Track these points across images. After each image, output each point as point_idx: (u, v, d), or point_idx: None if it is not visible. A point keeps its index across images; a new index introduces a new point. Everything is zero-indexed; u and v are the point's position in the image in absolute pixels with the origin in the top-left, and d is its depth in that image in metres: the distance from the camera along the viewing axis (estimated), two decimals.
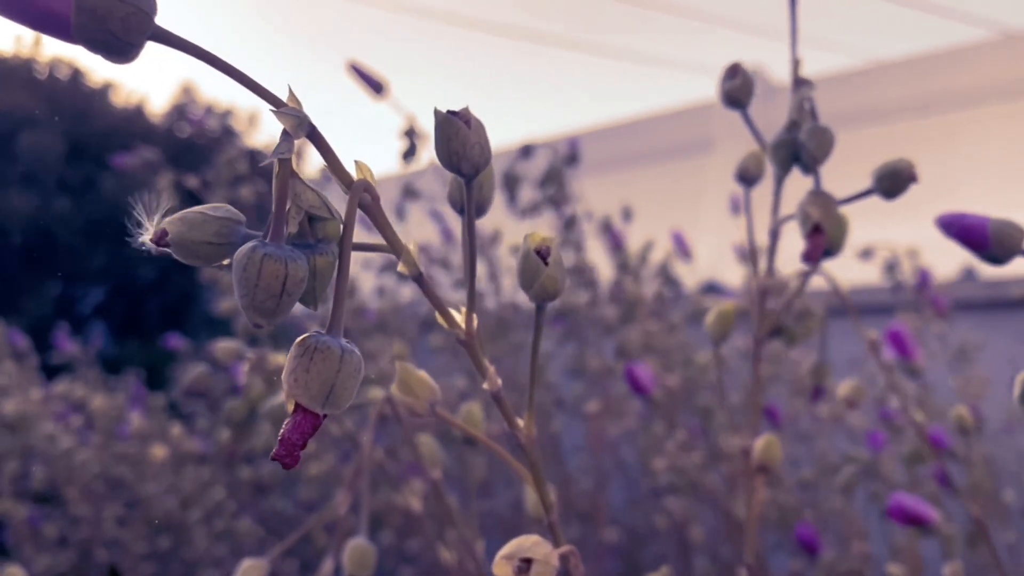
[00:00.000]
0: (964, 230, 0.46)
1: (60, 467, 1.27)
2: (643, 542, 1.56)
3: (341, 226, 0.27)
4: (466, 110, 0.30)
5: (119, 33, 0.24)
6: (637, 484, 1.59)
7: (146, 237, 0.27)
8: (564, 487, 1.44)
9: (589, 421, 1.46)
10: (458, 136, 0.30)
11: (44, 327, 2.01)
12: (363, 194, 0.28)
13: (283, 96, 0.26)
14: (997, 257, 0.46)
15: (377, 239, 0.32)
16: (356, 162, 0.28)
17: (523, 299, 1.63)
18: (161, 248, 0.27)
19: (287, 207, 0.26)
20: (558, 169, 1.45)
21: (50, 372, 1.66)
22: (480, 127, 0.30)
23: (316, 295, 0.27)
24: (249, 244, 0.25)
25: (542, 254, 0.33)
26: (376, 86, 1.12)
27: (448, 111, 0.30)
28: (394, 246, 0.31)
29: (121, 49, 0.24)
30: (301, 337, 0.25)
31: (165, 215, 0.27)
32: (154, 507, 1.30)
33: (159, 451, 1.26)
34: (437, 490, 0.59)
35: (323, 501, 1.39)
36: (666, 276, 1.54)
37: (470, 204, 0.32)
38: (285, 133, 0.26)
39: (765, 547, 1.28)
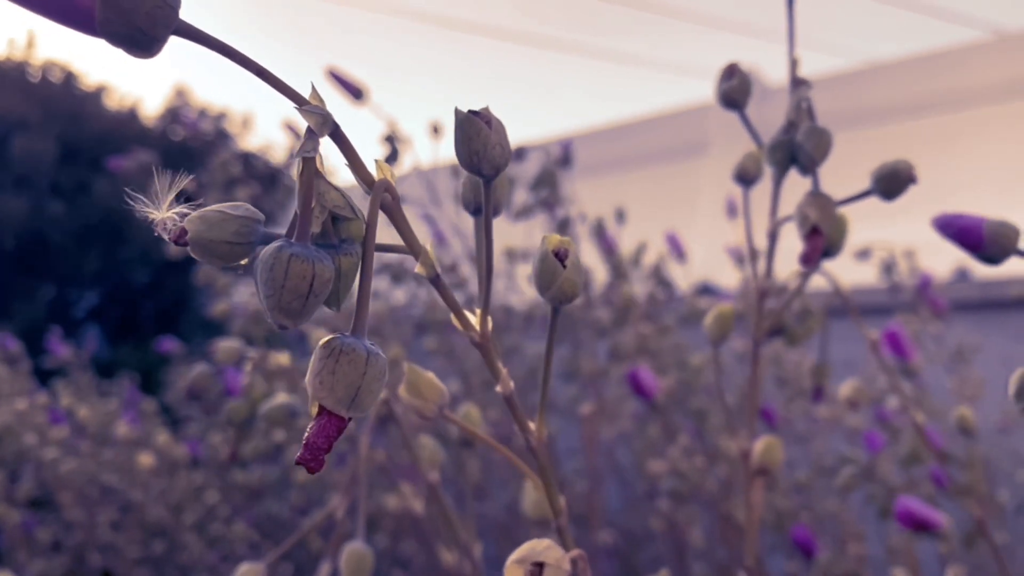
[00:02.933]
0: (960, 231, 0.47)
1: (50, 474, 1.26)
2: (639, 544, 1.56)
3: (364, 226, 0.27)
4: (487, 110, 0.30)
5: (145, 27, 0.24)
6: (632, 486, 1.59)
7: (158, 219, 0.26)
8: (559, 490, 1.44)
9: (583, 423, 1.46)
10: (479, 136, 0.29)
11: (37, 331, 2.01)
12: (384, 194, 0.28)
13: (305, 94, 0.26)
14: (993, 257, 0.46)
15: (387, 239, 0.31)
16: (376, 162, 0.28)
17: (515, 302, 1.63)
18: (179, 246, 0.26)
19: (312, 206, 0.25)
20: (551, 171, 1.44)
21: (43, 376, 1.65)
22: (501, 127, 0.30)
23: (340, 296, 0.27)
24: (275, 243, 0.24)
25: (560, 256, 0.33)
26: (356, 92, 1.11)
27: (469, 111, 0.30)
28: (413, 247, 0.30)
29: (146, 44, 0.24)
30: (326, 338, 0.25)
31: (178, 200, 0.27)
32: (148, 512, 1.29)
33: (146, 459, 1.25)
34: (435, 492, 0.59)
35: (317, 504, 1.38)
36: (660, 278, 1.53)
37: (488, 205, 0.32)
38: (309, 131, 0.25)
39: (762, 549, 1.28)
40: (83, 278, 2.81)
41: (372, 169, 0.28)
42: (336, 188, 0.27)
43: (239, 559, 1.23)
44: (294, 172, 0.26)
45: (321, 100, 0.26)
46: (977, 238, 0.46)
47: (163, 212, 0.26)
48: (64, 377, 1.64)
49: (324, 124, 0.25)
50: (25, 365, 1.49)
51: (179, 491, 1.31)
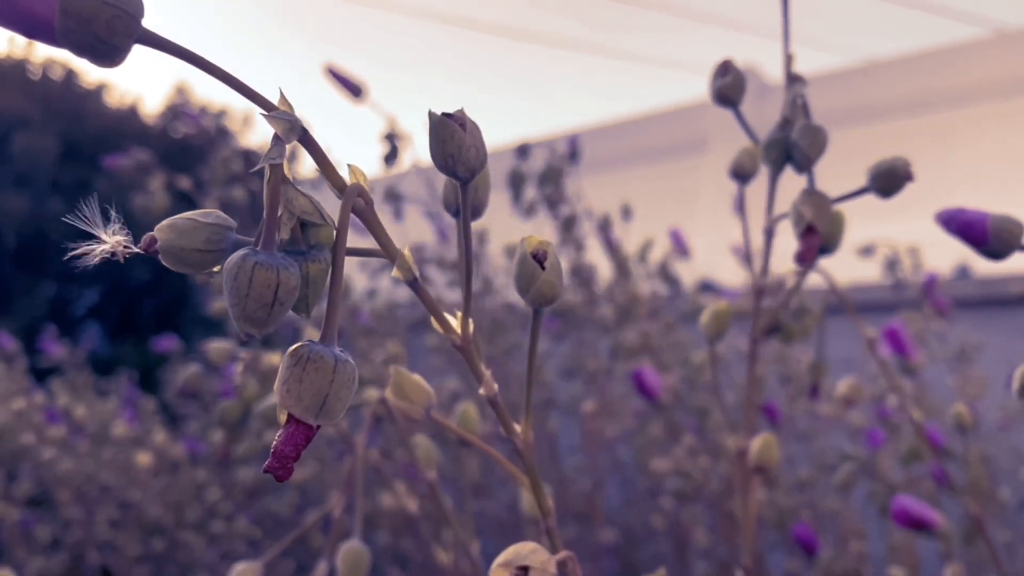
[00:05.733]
0: (964, 225, 0.46)
1: (48, 473, 1.26)
2: (640, 542, 1.56)
3: (334, 232, 0.27)
4: (461, 112, 0.30)
5: (104, 36, 0.24)
6: (634, 484, 1.59)
7: (102, 248, 0.26)
8: (560, 487, 1.44)
9: (585, 421, 1.46)
10: (453, 139, 0.29)
11: (38, 329, 2.01)
12: (356, 199, 0.27)
13: (274, 99, 0.26)
14: (996, 252, 0.46)
15: (368, 242, 0.31)
16: (349, 166, 0.28)
17: (518, 299, 1.62)
18: (150, 255, 0.26)
19: (279, 213, 0.25)
20: (556, 168, 1.44)
21: (42, 375, 1.65)
22: (476, 129, 0.30)
23: (309, 303, 0.26)
24: (240, 252, 0.24)
25: (539, 258, 0.33)
26: (354, 89, 1.11)
27: (443, 113, 0.29)
28: (388, 251, 0.30)
29: (107, 52, 0.24)
30: (294, 346, 0.25)
31: (120, 225, 0.27)
32: (147, 510, 1.29)
33: (144, 458, 1.25)
34: (433, 491, 0.59)
35: (316, 502, 1.38)
36: (665, 275, 1.53)
37: (466, 208, 0.32)
38: (276, 137, 0.25)
39: (762, 546, 1.28)
40: (83, 276, 2.81)
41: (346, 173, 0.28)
42: (304, 194, 0.27)
43: (238, 557, 1.23)
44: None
45: (289, 106, 0.26)
46: (981, 233, 0.46)
47: (112, 236, 0.26)
48: (62, 375, 1.64)
49: (291, 130, 0.25)
50: (22, 363, 1.49)
51: (179, 489, 1.31)
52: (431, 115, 0.29)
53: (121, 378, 1.83)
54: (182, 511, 1.31)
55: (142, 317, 2.98)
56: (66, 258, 0.26)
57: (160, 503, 1.30)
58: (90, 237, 0.26)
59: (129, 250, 0.26)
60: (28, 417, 1.29)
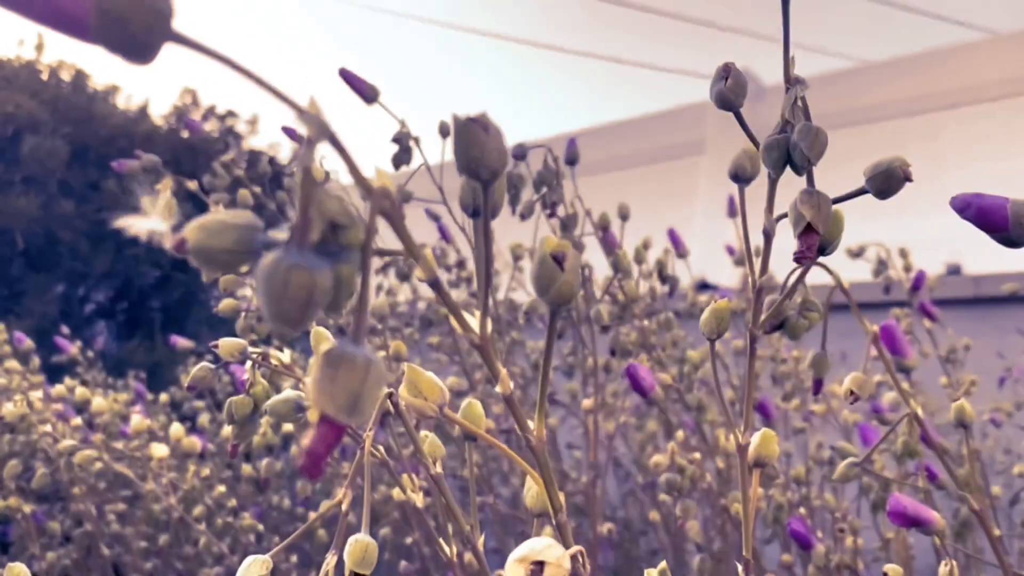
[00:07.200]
0: (982, 212, 0.45)
1: (63, 463, 1.27)
2: (638, 536, 1.57)
3: (363, 233, 0.27)
4: (484, 115, 0.30)
5: (139, 35, 0.24)
6: (632, 479, 1.60)
7: (149, 229, 0.27)
8: (559, 482, 1.45)
9: (584, 417, 1.47)
10: (477, 142, 0.30)
11: (49, 328, 2.01)
12: (384, 200, 0.28)
13: (302, 101, 0.26)
14: (1016, 239, 0.44)
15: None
16: (376, 169, 0.29)
17: (518, 297, 1.63)
18: (180, 255, 0.27)
19: (311, 215, 0.26)
20: (554, 170, 1.44)
21: (54, 372, 1.66)
22: (498, 133, 0.30)
23: (339, 303, 0.27)
24: (274, 254, 0.25)
25: (558, 259, 0.33)
26: (367, 93, 1.11)
27: (467, 117, 0.30)
28: (412, 252, 0.31)
29: (141, 51, 0.24)
30: (326, 347, 0.25)
31: (167, 209, 0.27)
32: (157, 503, 1.30)
33: (159, 451, 1.26)
34: (439, 485, 0.60)
35: (323, 496, 1.39)
36: (664, 275, 1.54)
37: (487, 209, 0.32)
38: (308, 140, 0.25)
39: (756, 541, 1.29)
40: (92, 275, 2.81)
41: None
42: (335, 196, 0.27)
43: (247, 550, 1.24)
44: (295, 179, 0.26)
45: (319, 108, 0.26)
46: (1001, 219, 0.44)
47: (154, 222, 0.27)
48: (75, 374, 1.64)
49: (322, 132, 0.26)
50: (36, 361, 1.49)
51: (188, 483, 1.32)
52: (456, 119, 0.30)
53: (130, 376, 1.84)
54: (190, 505, 1.32)
55: (150, 316, 2.97)
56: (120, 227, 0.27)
57: (172, 495, 1.31)
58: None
59: (169, 235, 0.27)
60: (43, 412, 1.29)
